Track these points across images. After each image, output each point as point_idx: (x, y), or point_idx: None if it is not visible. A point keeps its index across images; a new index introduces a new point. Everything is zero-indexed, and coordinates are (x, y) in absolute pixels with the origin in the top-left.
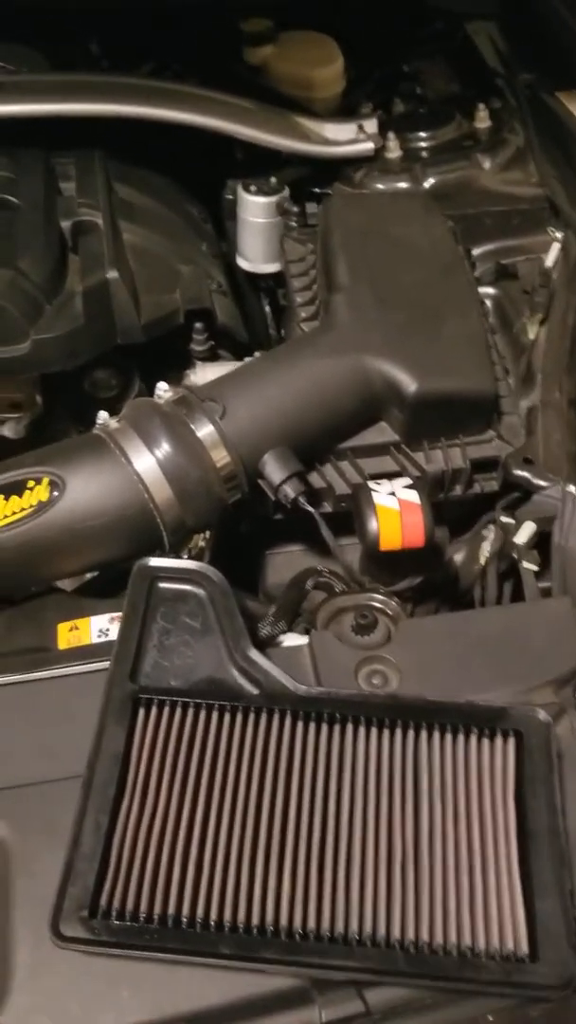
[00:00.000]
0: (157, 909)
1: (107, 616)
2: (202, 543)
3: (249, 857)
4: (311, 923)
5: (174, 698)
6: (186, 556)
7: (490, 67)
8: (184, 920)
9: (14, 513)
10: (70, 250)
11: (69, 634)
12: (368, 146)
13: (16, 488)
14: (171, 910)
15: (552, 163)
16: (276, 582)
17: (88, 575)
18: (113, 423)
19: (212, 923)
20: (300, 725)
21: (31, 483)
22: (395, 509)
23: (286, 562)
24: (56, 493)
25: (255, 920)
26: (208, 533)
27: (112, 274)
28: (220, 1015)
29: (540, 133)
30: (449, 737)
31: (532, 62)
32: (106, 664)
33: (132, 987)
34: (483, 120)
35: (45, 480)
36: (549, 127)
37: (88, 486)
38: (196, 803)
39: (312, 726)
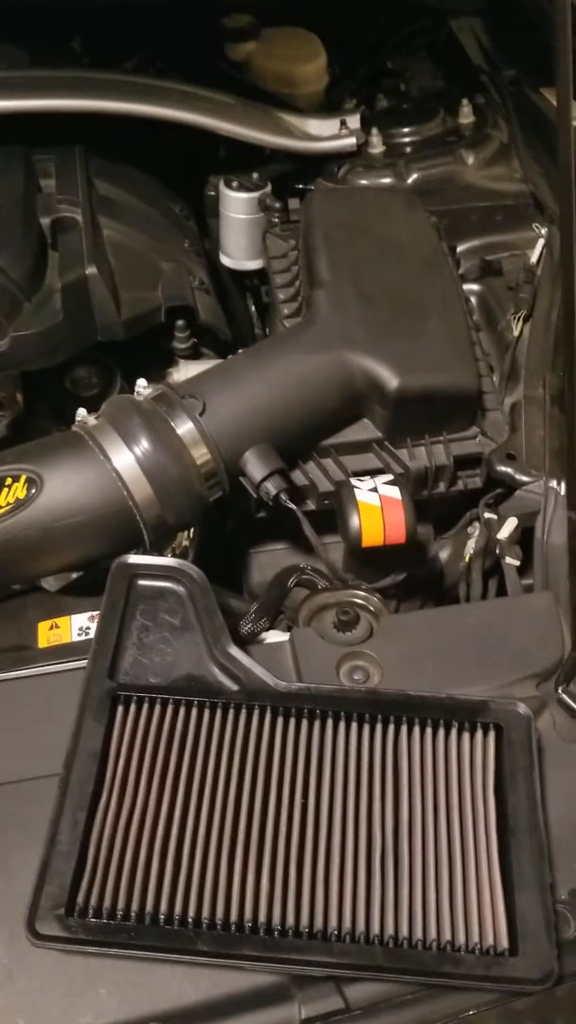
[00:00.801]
0: (135, 907)
1: (87, 614)
2: (186, 542)
3: (228, 854)
4: (290, 919)
5: (153, 695)
6: (170, 555)
7: (474, 63)
8: (162, 917)
9: None
10: (50, 247)
11: (49, 632)
12: (351, 141)
13: None
14: (149, 907)
15: (536, 159)
16: (260, 581)
17: (74, 575)
18: (92, 420)
19: (190, 920)
20: (280, 721)
21: (8, 480)
22: (377, 506)
23: (270, 561)
24: (34, 491)
25: (234, 917)
26: (192, 532)
27: (91, 270)
28: (199, 1013)
29: (524, 129)
30: (429, 731)
31: (516, 58)
32: (85, 662)
33: (110, 985)
34: (467, 116)
35: (23, 478)
36: (533, 123)
37: (66, 484)
38: (175, 800)
39: (292, 721)
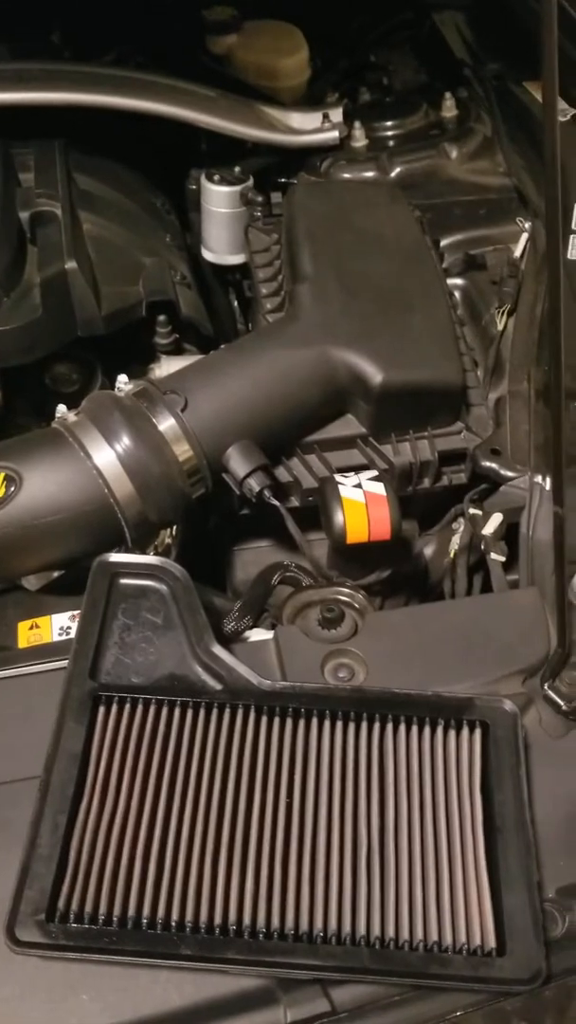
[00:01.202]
0: (117, 911)
1: (68, 614)
2: (169, 540)
3: (211, 856)
4: (275, 921)
5: (135, 695)
6: (152, 553)
7: (457, 57)
8: (144, 921)
9: None
10: (28, 241)
11: (29, 632)
12: (333, 135)
13: None
14: (131, 911)
15: (520, 153)
16: (244, 578)
17: (55, 573)
18: (72, 417)
19: (173, 924)
20: (264, 720)
21: None
22: (361, 502)
23: (254, 558)
24: (12, 489)
25: (217, 920)
26: (175, 530)
27: (71, 264)
28: (183, 1018)
29: (508, 123)
30: (415, 729)
31: (499, 52)
32: (66, 663)
33: (92, 992)
34: (450, 109)
35: (1, 475)
36: (517, 117)
37: (46, 481)
38: (157, 802)
39: (276, 720)
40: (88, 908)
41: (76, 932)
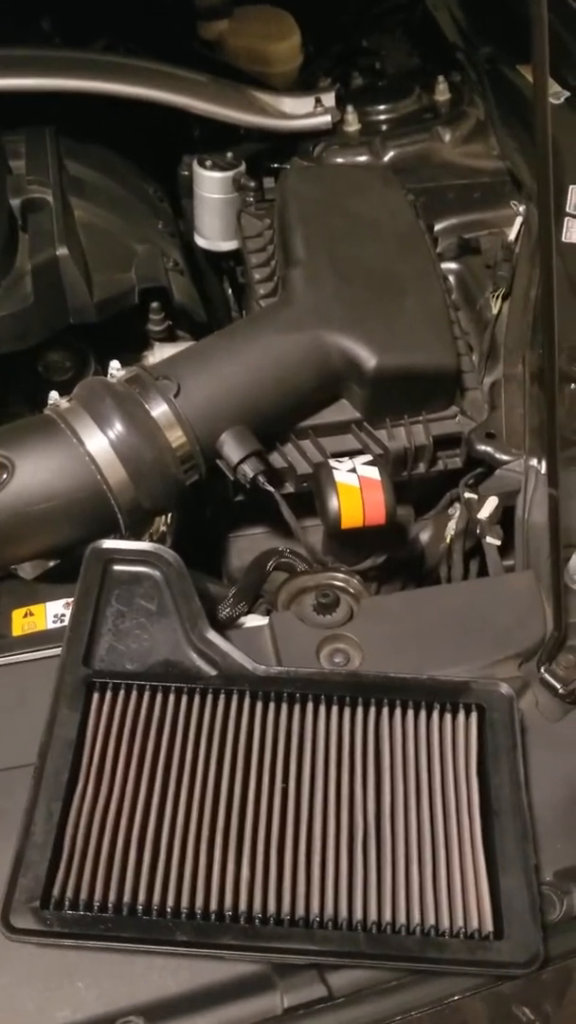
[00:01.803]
0: (112, 898)
1: (63, 601)
2: (163, 527)
3: (207, 841)
4: (271, 907)
5: (129, 681)
6: (147, 540)
7: (450, 41)
8: (140, 908)
9: None
10: (20, 228)
11: (23, 620)
12: (326, 119)
13: None
14: (126, 898)
15: (513, 136)
16: (239, 565)
17: (51, 562)
18: (64, 403)
19: (169, 910)
20: (259, 705)
21: None
22: (356, 487)
23: (249, 545)
24: (4, 476)
25: (213, 906)
26: (170, 517)
27: (62, 251)
28: (179, 1004)
29: (501, 106)
30: (411, 713)
31: (492, 36)
32: (60, 650)
33: (88, 978)
34: (443, 93)
35: None
36: (510, 100)
37: (38, 468)
38: (152, 788)
39: (271, 706)
40: (83, 895)
41: (71, 919)
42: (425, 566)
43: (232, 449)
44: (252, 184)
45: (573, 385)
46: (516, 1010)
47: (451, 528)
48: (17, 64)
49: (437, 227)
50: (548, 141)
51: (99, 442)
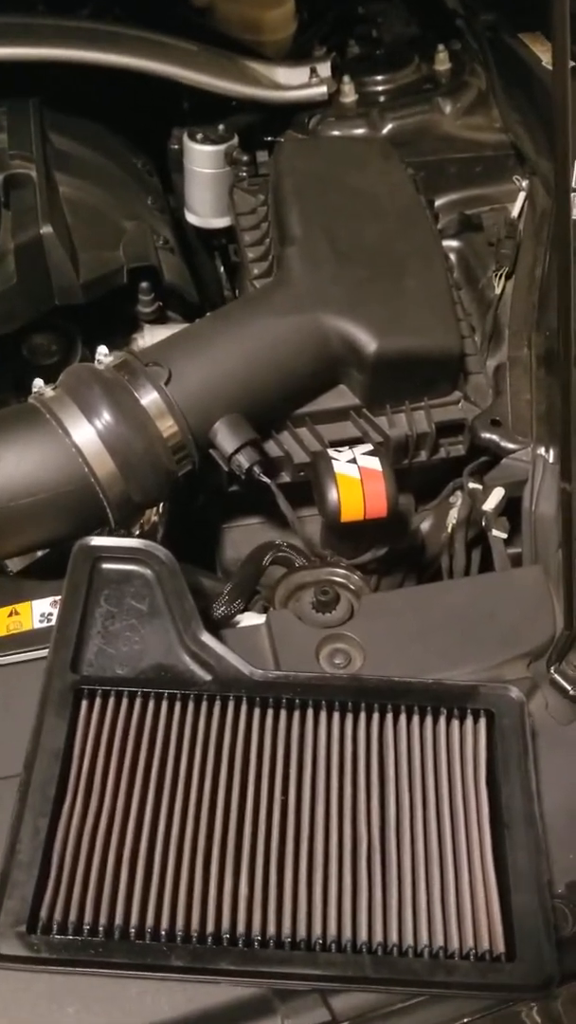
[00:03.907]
0: (103, 920)
1: (50, 599)
2: (155, 518)
3: (203, 859)
4: (271, 928)
5: (120, 688)
6: (137, 532)
7: (449, 7)
8: (133, 931)
9: None
10: (2, 205)
11: (8, 620)
12: (321, 90)
13: None
14: (118, 921)
15: (515, 108)
16: (234, 557)
17: (39, 552)
18: (49, 391)
19: (163, 933)
20: (256, 712)
21: None
22: (356, 478)
23: (244, 536)
24: None
25: (210, 928)
26: (161, 508)
27: (46, 229)
28: None
29: (503, 76)
30: (416, 719)
31: (493, 2)
32: (47, 652)
33: (78, 1004)
34: (443, 62)
35: None
36: (512, 70)
37: (22, 460)
38: (145, 802)
39: (269, 713)
40: (72, 918)
41: (60, 944)
42: (426, 558)
43: (226, 438)
44: (245, 158)
45: None
46: (525, 1017)
47: (452, 518)
48: None
49: (437, 203)
50: (567, 114)
51: (86, 433)
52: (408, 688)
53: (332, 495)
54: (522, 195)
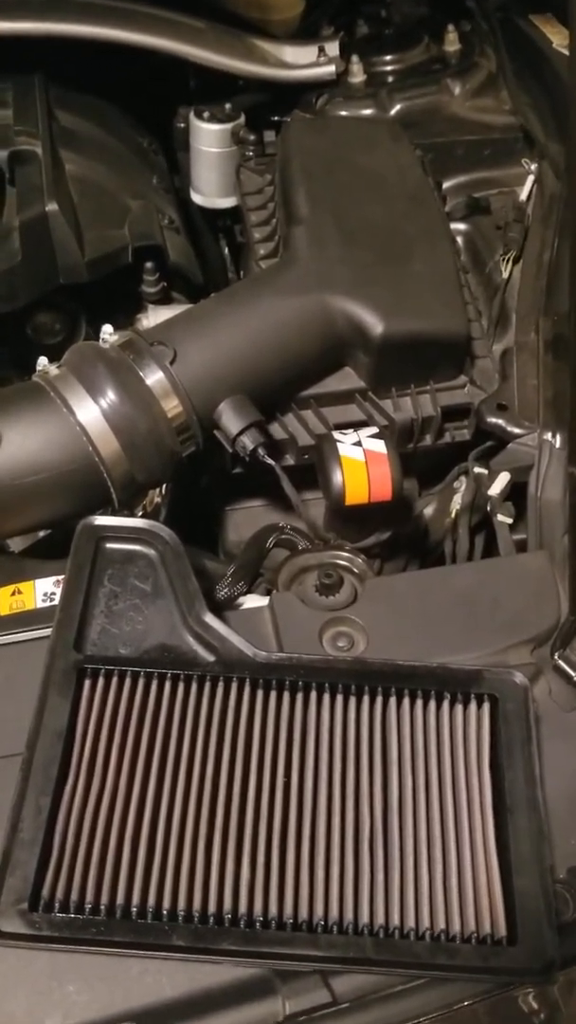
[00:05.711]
0: (104, 899)
1: (53, 579)
2: (158, 499)
3: (205, 840)
4: (273, 909)
5: (123, 667)
6: (140, 513)
7: None
8: (134, 910)
9: None
10: (7, 182)
11: (11, 599)
12: (330, 69)
13: None
14: (120, 900)
15: (525, 90)
16: (237, 540)
17: (41, 532)
18: (54, 370)
19: (165, 912)
20: (260, 694)
21: None
22: (361, 461)
23: (247, 518)
24: None
25: (212, 908)
26: (164, 488)
27: (51, 207)
28: (176, 1010)
29: (513, 58)
30: (420, 703)
31: None
32: (50, 631)
33: (79, 983)
34: (452, 43)
35: None
36: (522, 52)
37: (26, 439)
38: (147, 782)
39: (272, 695)
40: (74, 896)
41: (61, 922)
42: (429, 542)
43: (231, 419)
44: (252, 137)
45: None
46: (522, 1003)
47: (456, 502)
48: (3, 7)
49: (445, 185)
50: None
51: (91, 412)
52: (412, 672)
53: (337, 478)
54: (530, 179)
